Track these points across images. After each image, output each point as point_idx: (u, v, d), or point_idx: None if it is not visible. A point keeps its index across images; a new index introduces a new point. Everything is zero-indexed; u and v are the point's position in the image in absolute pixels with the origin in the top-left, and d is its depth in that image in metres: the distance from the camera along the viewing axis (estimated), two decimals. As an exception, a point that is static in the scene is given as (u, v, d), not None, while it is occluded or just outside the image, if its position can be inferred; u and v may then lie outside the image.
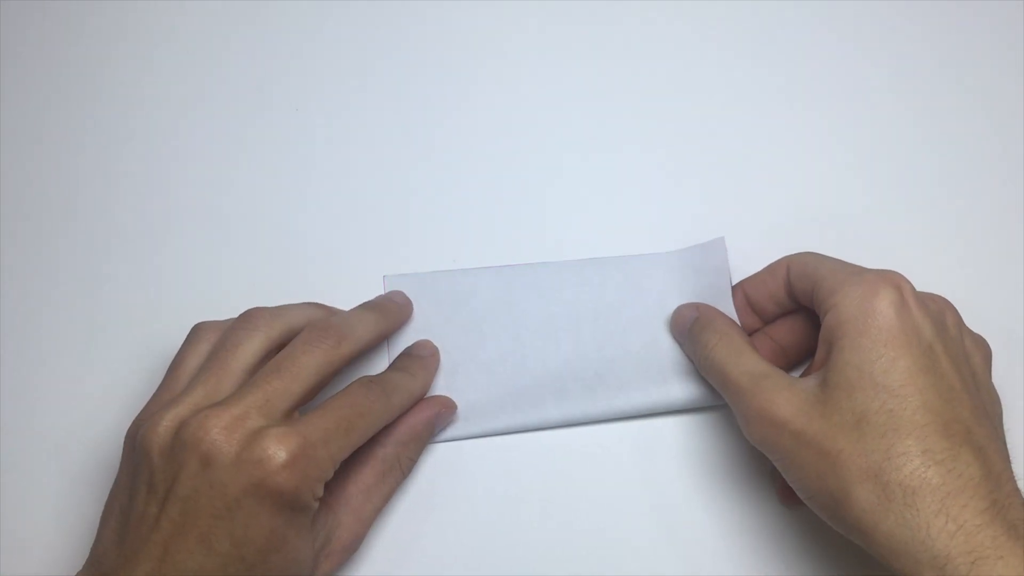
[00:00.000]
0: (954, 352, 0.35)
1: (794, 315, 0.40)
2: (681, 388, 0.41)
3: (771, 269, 0.40)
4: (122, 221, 0.45)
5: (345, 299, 0.43)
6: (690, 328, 0.40)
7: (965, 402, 0.33)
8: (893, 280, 0.35)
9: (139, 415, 0.36)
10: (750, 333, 0.41)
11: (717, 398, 0.40)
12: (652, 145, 0.46)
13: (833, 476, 0.32)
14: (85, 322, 0.43)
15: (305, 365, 0.35)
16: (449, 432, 0.42)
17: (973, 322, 0.39)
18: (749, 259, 0.43)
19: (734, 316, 0.41)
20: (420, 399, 0.40)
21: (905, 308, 0.34)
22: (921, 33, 0.48)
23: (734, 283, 0.42)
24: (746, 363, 0.37)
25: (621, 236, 0.44)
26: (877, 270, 0.36)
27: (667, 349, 0.42)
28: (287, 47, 0.48)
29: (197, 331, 0.38)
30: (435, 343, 0.42)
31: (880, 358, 0.33)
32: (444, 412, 0.41)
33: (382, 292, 0.43)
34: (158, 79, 0.48)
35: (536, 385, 0.42)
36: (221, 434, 0.32)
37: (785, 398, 0.34)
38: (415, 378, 0.40)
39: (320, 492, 0.34)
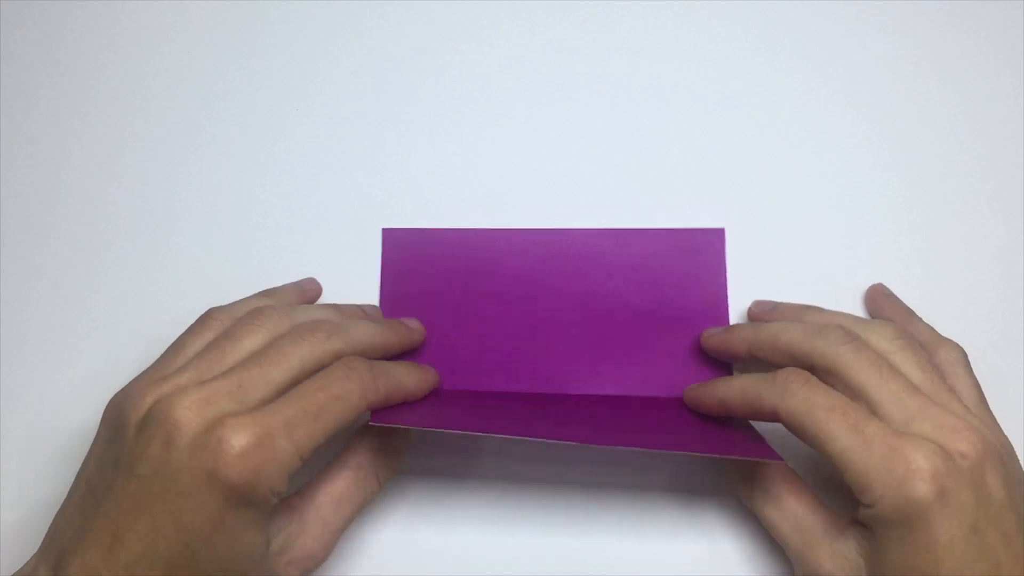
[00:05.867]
0: (997, 515, 0.32)
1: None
2: (664, 371, 0.41)
3: (752, 407, 0.36)
4: (118, 208, 0.46)
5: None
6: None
7: (1017, 571, 0.32)
8: (926, 468, 0.32)
9: (124, 388, 0.35)
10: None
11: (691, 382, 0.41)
12: (659, 122, 0.46)
13: None
14: (83, 315, 0.44)
15: (288, 354, 0.34)
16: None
17: (971, 322, 0.39)
18: (745, 248, 0.43)
19: (728, 314, 0.42)
20: (412, 397, 0.38)
21: (944, 495, 0.32)
22: (922, 31, 0.47)
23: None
24: (792, 511, 0.36)
25: (618, 209, 0.45)
26: (905, 450, 0.32)
27: (653, 325, 0.42)
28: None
29: (206, 317, 0.37)
30: (431, 298, 0.43)
31: (926, 564, 0.32)
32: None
33: (380, 246, 0.44)
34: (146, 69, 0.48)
35: (525, 350, 0.42)
36: (184, 413, 0.31)
37: (830, 570, 0.34)
38: (410, 374, 0.38)
39: (282, 486, 0.32)
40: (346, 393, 0.34)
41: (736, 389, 0.37)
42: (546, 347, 0.42)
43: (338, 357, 0.35)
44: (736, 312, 0.42)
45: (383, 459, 0.37)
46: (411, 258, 0.44)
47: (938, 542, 0.31)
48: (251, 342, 0.35)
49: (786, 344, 0.37)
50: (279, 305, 0.38)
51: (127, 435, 0.32)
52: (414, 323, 0.42)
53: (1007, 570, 0.32)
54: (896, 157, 0.45)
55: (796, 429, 0.34)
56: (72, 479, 0.34)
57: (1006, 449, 0.34)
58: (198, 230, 0.45)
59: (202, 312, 0.38)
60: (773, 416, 0.35)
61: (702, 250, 0.43)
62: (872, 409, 0.34)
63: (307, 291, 0.42)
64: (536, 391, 0.42)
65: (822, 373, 0.35)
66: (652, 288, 0.42)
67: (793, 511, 0.36)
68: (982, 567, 0.31)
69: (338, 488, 0.36)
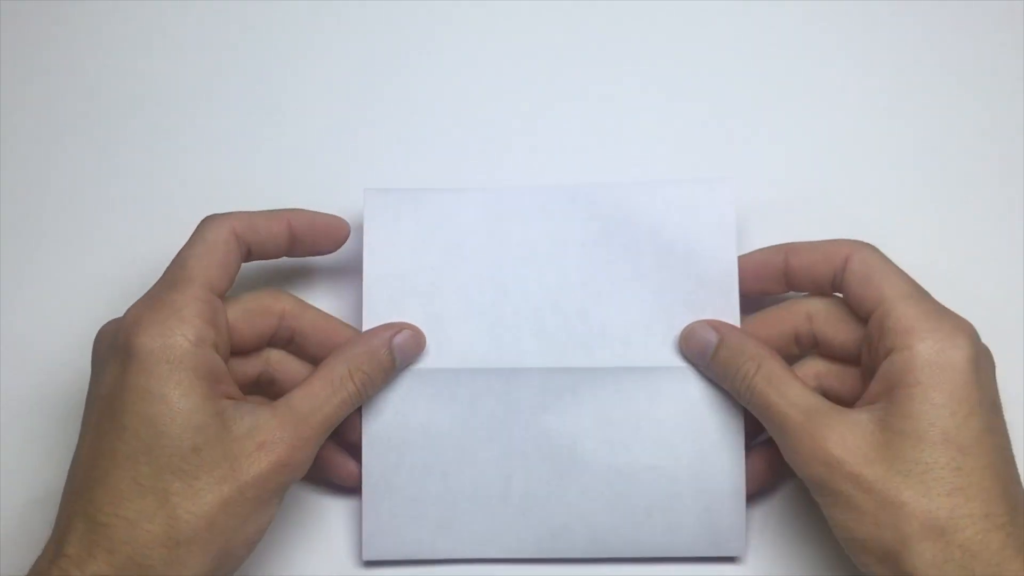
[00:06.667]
0: (1002, 410, 0.35)
1: (845, 366, 0.38)
2: (663, 342, 0.39)
3: (826, 252, 0.37)
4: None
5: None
6: (713, 355, 0.37)
7: (1014, 463, 0.34)
8: (969, 332, 0.34)
9: None
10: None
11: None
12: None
13: (892, 528, 0.32)
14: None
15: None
16: (424, 362, 0.40)
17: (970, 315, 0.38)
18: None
19: (735, 273, 0.39)
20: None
21: (978, 364, 0.33)
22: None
23: (777, 243, 0.39)
24: (792, 393, 0.35)
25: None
26: (953, 316, 0.35)
27: (653, 285, 0.39)
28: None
29: None
30: (415, 262, 0.40)
31: (954, 414, 0.32)
32: (407, 335, 0.38)
33: (363, 207, 0.40)
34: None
35: (515, 314, 0.40)
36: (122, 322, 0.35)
37: (840, 435, 0.33)
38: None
39: (193, 331, 0.33)
40: (248, 228, 0.37)
41: (803, 245, 0.38)
42: (541, 313, 0.40)
43: (271, 236, 0.38)
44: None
45: (360, 363, 0.37)
46: (398, 223, 0.40)
47: (969, 396, 0.33)
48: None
49: (821, 246, 0.38)
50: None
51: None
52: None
53: (1013, 464, 0.33)
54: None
55: (862, 274, 0.36)
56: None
57: None
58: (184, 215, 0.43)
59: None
60: (842, 264, 0.36)
61: (707, 204, 0.40)
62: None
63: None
64: (538, 365, 0.39)
65: (853, 274, 0.36)
66: (657, 248, 0.39)
67: (794, 387, 0.35)
68: (998, 452, 0.33)
69: (313, 387, 0.36)
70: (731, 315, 0.39)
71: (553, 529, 0.39)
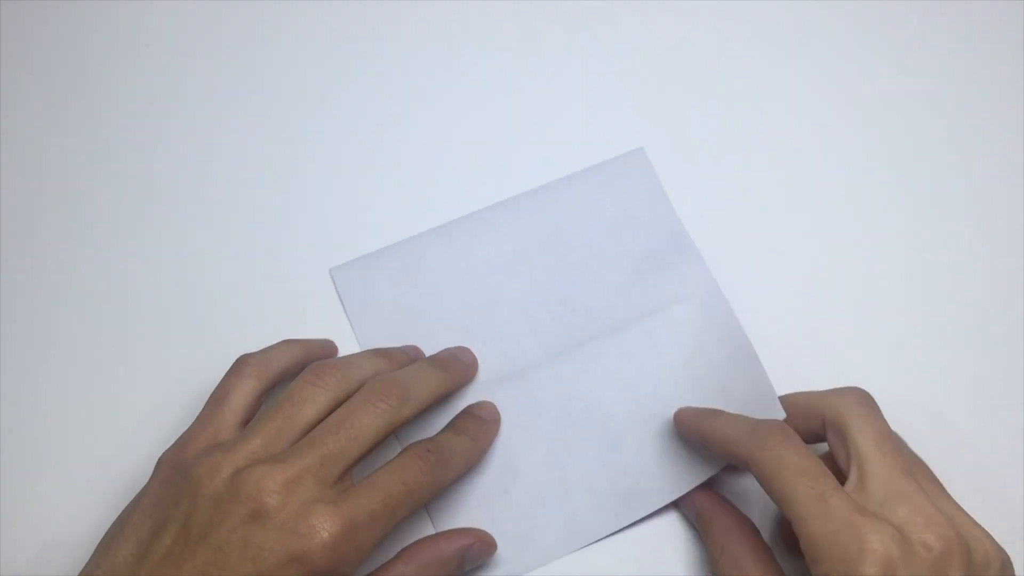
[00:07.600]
0: None
1: None
2: (642, 298, 0.42)
3: (807, 412, 0.37)
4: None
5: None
6: (697, 519, 0.39)
7: None
8: (882, 545, 0.31)
9: (181, 445, 0.35)
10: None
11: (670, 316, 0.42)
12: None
13: None
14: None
15: (364, 426, 0.35)
16: None
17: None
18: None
19: (682, 229, 0.43)
20: (476, 464, 0.40)
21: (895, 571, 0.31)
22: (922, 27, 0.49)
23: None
24: None
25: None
26: (864, 522, 0.31)
27: (612, 257, 0.43)
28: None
29: (241, 365, 0.38)
30: (399, 312, 0.43)
31: None
32: (480, 547, 0.38)
33: (332, 287, 0.43)
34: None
35: (507, 323, 0.42)
36: (274, 496, 0.32)
37: None
38: (476, 442, 0.39)
39: (353, 573, 0.34)
40: (420, 487, 0.36)
41: (718, 429, 0.37)
42: (531, 313, 0.42)
43: (410, 421, 0.37)
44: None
45: (427, 571, 0.37)
46: (372, 286, 0.43)
47: None
48: (314, 406, 0.36)
49: (803, 401, 0.38)
50: (333, 362, 0.38)
51: (199, 503, 0.33)
52: (466, 355, 0.42)
53: None
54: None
55: (764, 484, 0.34)
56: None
57: (989, 556, 0.32)
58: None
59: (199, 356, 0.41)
60: (745, 465, 0.35)
61: (631, 175, 0.45)
62: (860, 478, 0.33)
63: (325, 347, 0.42)
64: (543, 358, 0.42)
65: (828, 427, 0.36)
66: (605, 225, 0.44)
67: (758, 570, 0.35)
68: None
69: None
70: (695, 264, 0.42)
71: (625, 495, 0.39)
